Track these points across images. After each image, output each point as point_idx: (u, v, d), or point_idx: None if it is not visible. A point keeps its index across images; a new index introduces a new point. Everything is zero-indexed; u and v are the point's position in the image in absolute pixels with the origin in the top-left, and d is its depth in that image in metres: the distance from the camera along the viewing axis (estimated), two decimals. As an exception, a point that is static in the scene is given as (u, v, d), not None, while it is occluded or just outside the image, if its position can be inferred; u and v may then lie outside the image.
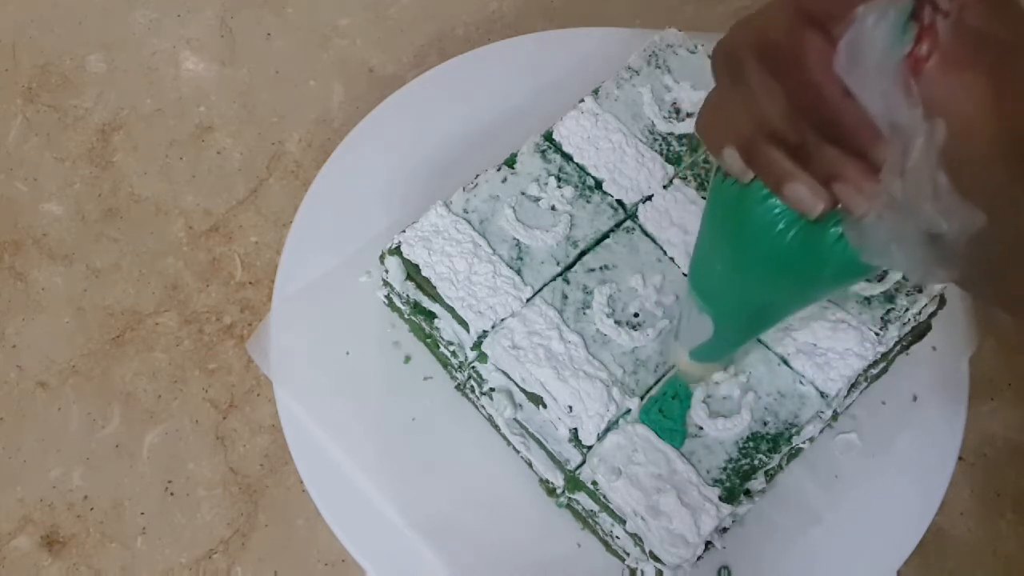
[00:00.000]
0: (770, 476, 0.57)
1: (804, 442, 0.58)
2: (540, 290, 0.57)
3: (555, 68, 0.73)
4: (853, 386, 0.58)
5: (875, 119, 0.29)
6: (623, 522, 0.52)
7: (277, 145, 1.20)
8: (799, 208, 0.31)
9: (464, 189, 0.60)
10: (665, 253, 0.58)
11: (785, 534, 0.59)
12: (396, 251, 0.58)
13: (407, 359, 0.64)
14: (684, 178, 0.61)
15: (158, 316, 1.10)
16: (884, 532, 0.60)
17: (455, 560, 0.58)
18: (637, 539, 0.52)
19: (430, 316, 0.59)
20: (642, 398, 0.54)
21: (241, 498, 1.02)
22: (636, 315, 0.56)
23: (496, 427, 0.61)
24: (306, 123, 1.21)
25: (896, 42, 0.28)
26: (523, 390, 0.55)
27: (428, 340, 0.62)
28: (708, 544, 0.53)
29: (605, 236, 0.59)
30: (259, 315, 1.10)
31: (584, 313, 0.56)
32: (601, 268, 0.58)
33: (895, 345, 0.58)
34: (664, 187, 0.60)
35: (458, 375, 0.61)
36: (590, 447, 0.53)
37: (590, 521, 0.57)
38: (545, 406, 0.54)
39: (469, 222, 0.58)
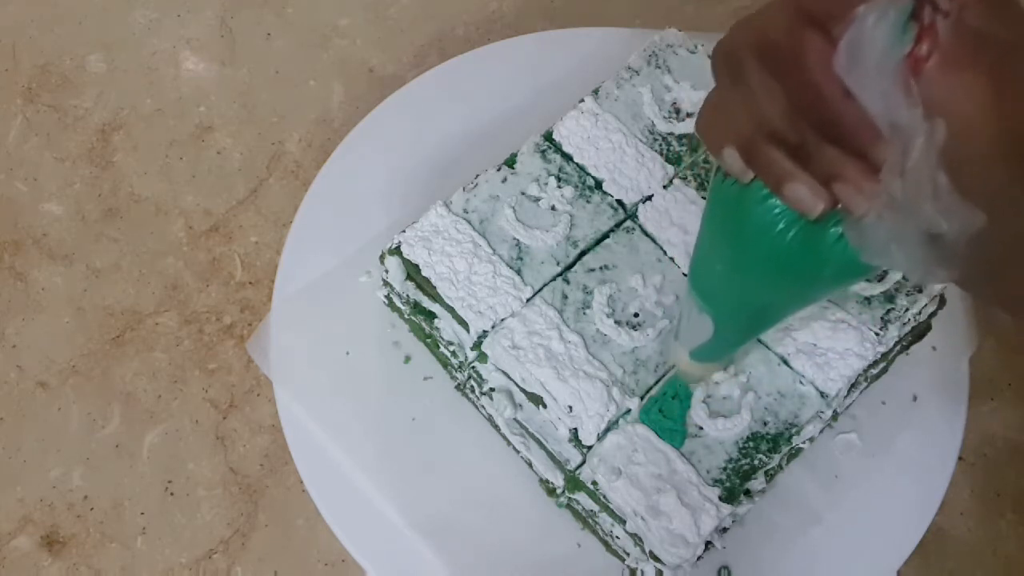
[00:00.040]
0: (770, 476, 0.57)
1: (804, 442, 0.58)
2: (540, 290, 0.57)
3: (555, 68, 0.73)
4: (853, 386, 0.58)
5: (875, 119, 0.29)
6: (623, 522, 0.52)
7: (277, 145, 1.20)
8: (799, 208, 0.31)
9: (464, 189, 0.60)
10: (665, 253, 0.58)
11: (785, 534, 0.59)
12: (396, 251, 0.58)
13: (407, 359, 0.64)
14: (684, 178, 0.61)
15: (158, 316, 1.10)
16: (884, 532, 0.60)
17: (455, 560, 0.58)
18: (637, 539, 0.52)
19: (430, 316, 0.59)
20: (642, 398, 0.54)
21: (241, 498, 1.02)
22: (636, 315, 0.56)
23: (496, 427, 0.61)
24: (306, 123, 1.21)
25: (896, 42, 0.28)
26: (523, 390, 0.55)
27: (428, 340, 0.62)
28: (708, 544, 0.53)
29: (605, 236, 0.59)
30: (259, 315, 1.10)
31: (584, 313, 0.56)
32: (601, 268, 0.58)
33: (895, 345, 0.58)
34: (664, 187, 0.60)
35: (458, 375, 0.61)
36: (590, 447, 0.53)
37: (590, 521, 0.57)
38: (545, 406, 0.54)
39: (469, 222, 0.58)
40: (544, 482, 0.59)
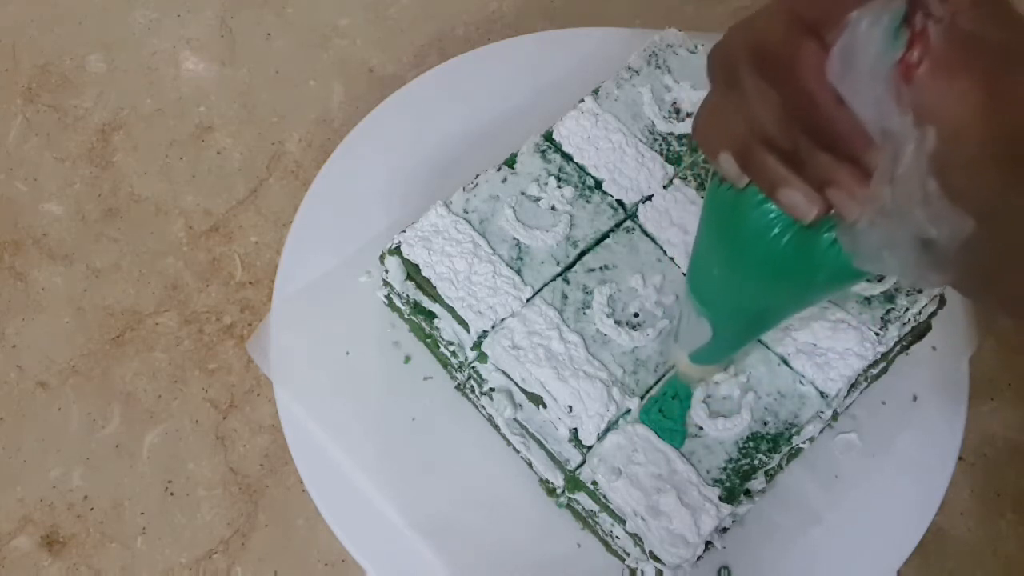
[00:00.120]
0: (770, 476, 0.57)
1: (804, 442, 0.58)
2: (540, 290, 0.57)
3: (555, 68, 0.73)
4: (853, 386, 0.58)
5: (867, 125, 0.29)
6: (623, 522, 0.52)
7: (277, 145, 1.20)
8: (793, 213, 0.31)
9: (464, 189, 0.60)
10: (665, 253, 0.58)
11: (785, 534, 0.59)
12: (396, 251, 0.58)
13: (407, 359, 0.64)
14: (684, 178, 0.61)
15: (158, 316, 1.10)
16: (884, 532, 0.60)
17: (455, 560, 0.58)
18: (637, 539, 0.52)
19: (430, 316, 0.59)
20: (642, 398, 0.54)
21: (241, 498, 1.02)
22: (636, 315, 0.56)
23: (496, 427, 0.61)
24: (306, 123, 1.21)
25: (888, 48, 0.28)
26: (523, 390, 0.55)
27: (428, 340, 0.62)
28: (708, 544, 0.53)
29: (605, 236, 0.59)
30: (259, 315, 1.10)
31: (584, 313, 0.56)
32: (601, 268, 0.58)
33: (895, 345, 0.58)
34: (664, 187, 0.60)
35: (458, 375, 0.61)
36: (590, 447, 0.53)
37: (590, 521, 0.57)
38: (545, 406, 0.54)
39: (469, 222, 0.58)
40: (544, 482, 0.59)
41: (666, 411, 0.53)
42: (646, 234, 0.59)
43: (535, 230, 0.58)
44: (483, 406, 0.61)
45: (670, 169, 0.61)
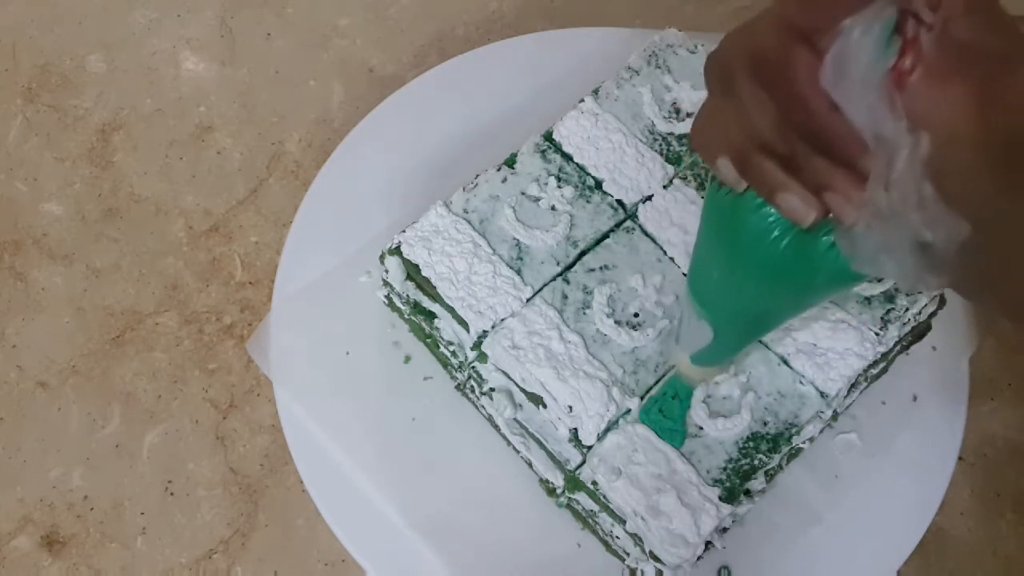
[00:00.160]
0: (770, 476, 0.57)
1: (804, 442, 0.58)
2: (540, 290, 0.57)
3: (555, 68, 0.73)
4: (853, 386, 0.58)
5: (861, 131, 0.29)
6: (623, 522, 0.52)
7: (277, 145, 1.20)
8: (791, 217, 0.32)
9: (464, 189, 0.60)
10: (665, 253, 0.58)
11: (785, 534, 0.59)
12: (396, 251, 0.58)
13: (407, 359, 0.64)
14: (684, 178, 0.61)
15: (158, 316, 1.10)
16: (884, 532, 0.60)
17: (455, 560, 0.58)
18: (637, 539, 0.52)
19: (430, 316, 0.59)
20: (642, 398, 0.54)
21: (241, 498, 1.02)
22: (636, 315, 0.56)
23: (496, 427, 0.61)
24: (306, 123, 1.21)
25: (881, 55, 0.28)
26: (523, 390, 0.55)
27: (428, 340, 0.62)
28: (708, 544, 0.53)
29: (605, 236, 0.59)
30: (259, 315, 1.10)
31: (584, 313, 0.56)
32: (601, 268, 0.58)
33: (895, 345, 0.58)
34: (664, 187, 0.60)
35: (458, 375, 0.61)
36: (590, 447, 0.53)
37: (590, 521, 0.57)
38: (545, 406, 0.54)
39: (469, 222, 0.58)
40: (544, 482, 0.59)
41: (666, 411, 0.53)
42: (646, 234, 0.59)
43: (535, 230, 0.58)
44: (483, 406, 0.61)
45: (670, 169, 0.61)
